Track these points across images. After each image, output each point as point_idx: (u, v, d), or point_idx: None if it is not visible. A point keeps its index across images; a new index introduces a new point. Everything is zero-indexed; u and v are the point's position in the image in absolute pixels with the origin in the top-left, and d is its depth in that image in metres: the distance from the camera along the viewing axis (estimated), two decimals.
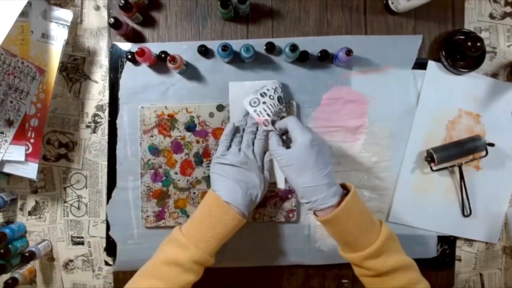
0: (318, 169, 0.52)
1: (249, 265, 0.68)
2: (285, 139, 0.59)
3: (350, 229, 0.51)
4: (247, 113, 0.60)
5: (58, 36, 0.66)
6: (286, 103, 0.65)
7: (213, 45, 0.65)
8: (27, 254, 0.64)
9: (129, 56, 0.64)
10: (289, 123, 0.55)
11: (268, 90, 0.60)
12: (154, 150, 0.65)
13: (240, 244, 0.67)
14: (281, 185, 0.64)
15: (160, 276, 0.51)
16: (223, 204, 0.53)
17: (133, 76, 0.66)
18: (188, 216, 0.66)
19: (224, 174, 0.56)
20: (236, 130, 0.60)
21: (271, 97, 0.59)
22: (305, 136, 0.52)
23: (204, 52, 0.64)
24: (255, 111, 0.58)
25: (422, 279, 0.52)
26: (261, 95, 0.59)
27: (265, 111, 0.58)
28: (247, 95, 0.59)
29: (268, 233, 0.67)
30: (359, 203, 0.53)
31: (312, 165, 0.51)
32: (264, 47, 0.64)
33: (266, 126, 0.58)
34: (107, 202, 0.67)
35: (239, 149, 0.59)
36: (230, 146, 0.59)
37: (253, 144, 0.60)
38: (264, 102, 0.58)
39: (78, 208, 0.69)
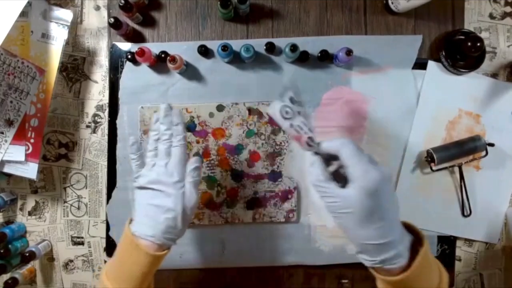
0: (388, 220, 0.39)
1: (249, 265, 0.68)
2: (330, 165, 0.44)
3: (426, 282, 0.41)
4: (157, 119, 0.50)
5: (58, 36, 0.66)
6: None
7: (213, 45, 0.65)
8: (27, 254, 0.64)
9: (129, 56, 0.64)
10: (344, 151, 0.40)
11: (295, 94, 0.44)
12: None
13: (240, 244, 0.67)
14: (329, 224, 0.46)
15: None
16: (131, 239, 0.45)
17: (133, 76, 0.66)
18: None
19: (136, 201, 0.48)
20: (142, 145, 0.51)
21: (301, 105, 0.44)
22: (372, 176, 0.39)
23: (204, 52, 0.64)
24: (291, 125, 0.43)
25: None
26: (291, 101, 0.44)
27: (305, 125, 0.43)
28: (272, 102, 0.44)
29: (268, 233, 0.67)
30: (429, 256, 0.42)
31: (380, 216, 0.39)
32: (264, 47, 0.64)
33: (310, 146, 0.42)
34: (107, 202, 0.67)
35: (153, 165, 0.48)
36: (143, 163, 0.50)
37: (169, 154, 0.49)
38: (299, 112, 0.43)
39: (78, 208, 0.69)
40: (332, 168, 0.42)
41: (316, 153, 0.42)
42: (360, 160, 0.40)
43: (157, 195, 0.47)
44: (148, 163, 0.49)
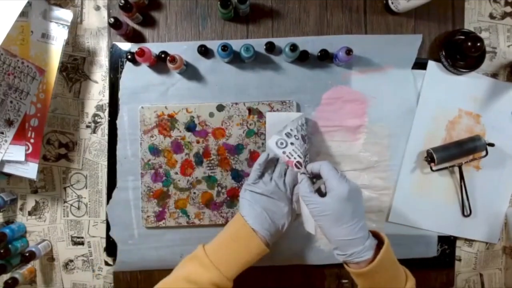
0: (355, 221, 0.50)
1: None
2: (314, 183, 0.57)
3: (382, 282, 0.50)
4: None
5: (58, 36, 0.66)
6: (286, 102, 0.65)
7: (213, 45, 0.65)
8: (27, 254, 0.64)
9: (129, 56, 0.64)
10: (323, 169, 0.53)
11: (291, 130, 0.57)
12: (154, 150, 0.65)
13: None
14: (311, 230, 0.59)
15: None
16: (250, 230, 0.54)
17: (133, 76, 0.66)
18: (188, 216, 0.66)
19: (254, 202, 0.57)
20: (270, 160, 0.60)
21: (296, 137, 0.57)
22: (343, 187, 0.50)
23: (204, 52, 0.64)
24: (284, 152, 0.56)
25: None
26: (287, 135, 0.57)
27: (295, 152, 0.56)
28: (271, 136, 0.57)
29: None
30: (392, 254, 0.52)
31: (349, 218, 0.50)
32: (264, 47, 0.64)
33: (298, 168, 0.55)
34: (107, 202, 0.67)
35: (271, 179, 0.59)
36: (262, 174, 0.59)
37: (285, 174, 0.60)
38: (292, 143, 0.56)
39: (78, 208, 0.69)
40: (316, 186, 0.56)
41: (303, 173, 0.55)
42: (334, 175, 0.52)
43: (275, 203, 0.57)
44: (266, 177, 0.59)
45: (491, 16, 0.70)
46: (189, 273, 0.52)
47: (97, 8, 0.69)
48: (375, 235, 0.53)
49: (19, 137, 0.65)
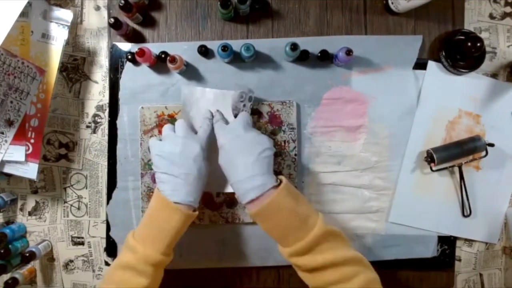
0: (236, 165, 0.52)
1: (249, 265, 0.68)
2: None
3: (278, 224, 0.51)
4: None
5: (58, 36, 0.66)
6: (286, 102, 0.65)
7: (213, 45, 0.65)
8: (27, 254, 0.64)
9: (129, 57, 0.64)
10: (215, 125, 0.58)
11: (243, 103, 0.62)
12: None
13: (240, 244, 0.67)
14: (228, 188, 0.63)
15: (115, 280, 0.51)
16: (164, 201, 0.52)
17: (133, 77, 0.66)
18: None
19: (161, 166, 0.54)
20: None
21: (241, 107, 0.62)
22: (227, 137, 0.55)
23: (204, 52, 0.64)
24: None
25: (362, 271, 0.49)
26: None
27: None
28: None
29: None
30: (290, 198, 0.51)
31: (230, 164, 0.53)
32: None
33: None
34: (107, 203, 0.67)
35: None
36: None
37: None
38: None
39: (78, 209, 0.69)
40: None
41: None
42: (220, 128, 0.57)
43: (183, 154, 0.55)
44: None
45: (491, 17, 0.70)
46: (120, 259, 0.52)
47: (97, 8, 0.69)
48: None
49: (19, 137, 0.65)
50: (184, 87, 0.63)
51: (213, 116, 0.60)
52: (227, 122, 0.59)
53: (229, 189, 0.63)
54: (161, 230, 0.52)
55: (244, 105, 0.61)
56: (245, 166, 0.52)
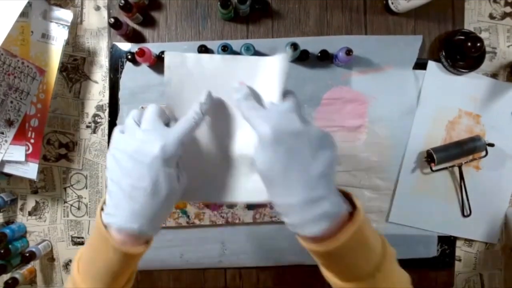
0: (292, 178, 0.34)
1: (249, 265, 0.68)
2: None
3: (347, 266, 0.36)
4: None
5: (58, 36, 0.66)
6: None
7: (213, 45, 0.65)
8: (27, 254, 0.64)
9: (129, 56, 0.64)
10: (241, 107, 0.38)
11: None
12: None
13: (240, 244, 0.67)
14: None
15: None
16: (102, 231, 0.36)
17: (133, 76, 0.66)
18: (188, 217, 0.66)
19: (115, 178, 0.37)
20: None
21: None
22: (263, 128, 0.35)
23: (204, 52, 0.64)
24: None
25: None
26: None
27: None
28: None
29: (269, 233, 0.67)
30: (366, 232, 0.35)
31: (280, 172, 0.34)
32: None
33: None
34: None
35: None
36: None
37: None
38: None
39: (78, 209, 0.69)
40: None
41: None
42: (255, 113, 0.37)
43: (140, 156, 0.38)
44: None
45: (491, 17, 0.70)
46: None
47: (97, 8, 0.69)
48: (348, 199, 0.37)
49: (19, 137, 0.65)
50: (168, 53, 0.40)
51: (209, 100, 0.39)
52: (258, 101, 0.39)
53: (240, 199, 0.42)
54: (99, 269, 0.37)
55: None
56: (305, 182, 0.34)
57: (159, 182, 0.35)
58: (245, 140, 0.40)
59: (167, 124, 0.39)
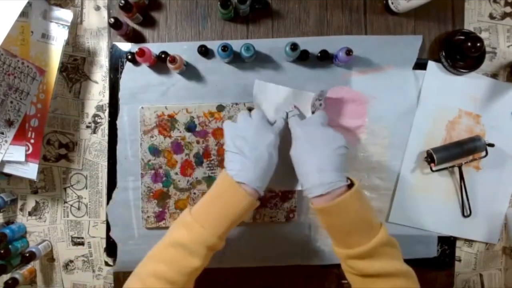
0: (308, 158, 0.51)
1: (249, 265, 0.68)
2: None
3: (342, 224, 0.50)
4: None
5: (58, 36, 0.66)
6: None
7: (213, 45, 0.65)
8: (27, 255, 0.64)
9: (129, 57, 0.64)
10: (290, 122, 0.58)
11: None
12: (154, 151, 0.65)
13: (240, 244, 0.67)
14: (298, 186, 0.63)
15: (165, 258, 0.49)
16: (232, 183, 0.50)
17: (133, 77, 0.66)
18: None
19: (235, 149, 0.53)
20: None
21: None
22: (299, 132, 0.55)
23: (204, 52, 0.64)
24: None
25: (412, 287, 0.50)
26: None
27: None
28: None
29: (268, 233, 0.67)
30: (359, 202, 0.50)
31: (302, 154, 0.52)
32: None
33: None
34: (107, 203, 0.67)
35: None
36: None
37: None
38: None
39: (78, 209, 0.69)
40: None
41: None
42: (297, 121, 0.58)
43: (256, 139, 0.55)
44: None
45: (491, 17, 0.70)
46: (174, 236, 0.50)
47: (97, 8, 0.69)
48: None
49: (19, 137, 0.65)
50: (257, 81, 0.64)
51: (287, 114, 0.59)
52: (302, 118, 0.59)
53: (289, 187, 0.63)
54: (224, 213, 0.50)
55: (321, 104, 0.61)
56: (318, 159, 0.51)
57: (273, 157, 0.54)
58: None
59: None
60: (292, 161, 0.55)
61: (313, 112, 0.62)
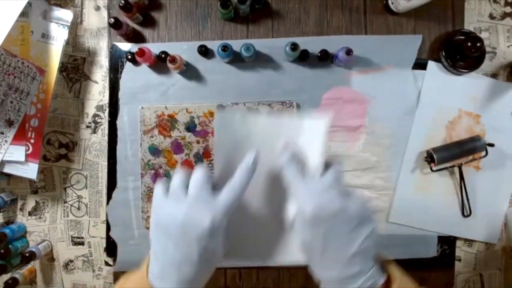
0: (330, 254, 0.36)
1: (249, 265, 0.68)
2: None
3: None
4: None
5: (58, 36, 0.66)
6: (286, 102, 0.65)
7: (213, 45, 0.65)
8: (27, 255, 0.64)
9: (129, 56, 0.64)
10: (286, 174, 0.38)
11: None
12: (155, 151, 0.65)
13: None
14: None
15: None
16: (145, 284, 0.37)
17: (133, 77, 0.66)
18: None
19: (159, 233, 0.37)
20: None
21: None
22: (306, 204, 0.36)
23: (204, 52, 0.64)
24: None
25: None
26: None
27: None
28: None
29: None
30: None
31: (320, 249, 0.36)
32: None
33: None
34: (107, 203, 0.67)
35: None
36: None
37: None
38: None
39: (78, 209, 0.69)
40: None
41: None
42: (298, 185, 0.38)
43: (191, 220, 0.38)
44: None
45: (491, 17, 0.70)
46: None
47: (97, 8, 0.69)
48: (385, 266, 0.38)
49: (19, 137, 0.65)
50: (218, 110, 0.45)
51: (254, 158, 0.37)
52: (302, 167, 0.39)
53: (284, 262, 0.44)
54: None
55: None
56: (342, 260, 0.36)
57: (207, 253, 0.36)
58: (285, 203, 0.40)
59: (213, 187, 0.38)
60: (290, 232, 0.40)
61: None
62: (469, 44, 0.62)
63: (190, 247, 0.35)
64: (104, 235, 0.68)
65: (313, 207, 0.35)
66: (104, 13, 0.68)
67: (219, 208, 0.35)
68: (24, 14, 0.63)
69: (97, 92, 0.69)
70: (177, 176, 0.39)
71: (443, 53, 0.66)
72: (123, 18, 0.65)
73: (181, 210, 0.35)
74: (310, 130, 0.40)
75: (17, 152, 0.64)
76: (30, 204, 0.69)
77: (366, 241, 0.37)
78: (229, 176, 0.37)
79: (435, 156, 0.64)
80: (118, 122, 0.66)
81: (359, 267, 0.36)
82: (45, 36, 0.65)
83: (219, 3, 0.61)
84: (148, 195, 0.66)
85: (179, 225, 0.35)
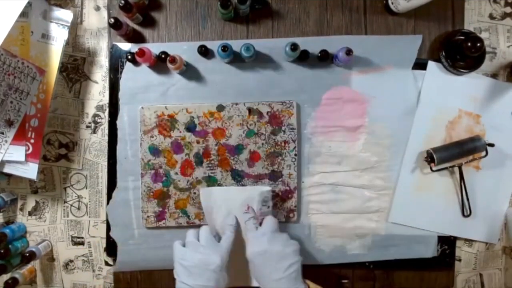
0: (262, 280, 0.55)
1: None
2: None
3: None
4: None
5: (58, 36, 0.66)
6: (286, 102, 0.65)
7: (213, 45, 0.65)
8: (27, 254, 0.64)
9: (129, 57, 0.64)
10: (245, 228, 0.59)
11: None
12: (154, 151, 0.65)
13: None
14: None
15: None
16: None
17: (133, 77, 0.66)
18: (188, 217, 0.66)
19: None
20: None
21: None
22: (254, 247, 0.57)
23: (204, 52, 0.64)
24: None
25: None
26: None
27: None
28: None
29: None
30: None
31: (257, 277, 0.56)
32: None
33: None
34: (107, 203, 0.67)
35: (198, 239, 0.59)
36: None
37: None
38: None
39: (78, 208, 0.69)
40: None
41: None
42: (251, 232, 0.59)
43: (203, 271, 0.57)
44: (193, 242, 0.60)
45: (491, 17, 0.70)
46: None
47: (97, 8, 0.69)
48: None
49: (19, 137, 0.65)
50: (202, 190, 0.64)
51: (237, 222, 0.61)
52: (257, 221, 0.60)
53: (254, 283, 0.63)
54: None
55: (268, 207, 0.63)
56: (274, 282, 0.54)
57: (220, 281, 0.55)
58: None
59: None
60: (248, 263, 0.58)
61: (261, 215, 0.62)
62: (469, 44, 0.62)
63: (209, 278, 0.54)
64: (104, 235, 0.68)
65: (249, 249, 0.57)
66: (104, 13, 0.68)
67: (224, 250, 0.56)
68: (24, 14, 0.63)
69: (97, 92, 0.69)
70: (190, 233, 0.59)
71: (443, 53, 0.66)
72: (123, 18, 0.65)
73: (198, 253, 0.56)
74: (256, 194, 0.63)
75: (17, 152, 0.64)
76: (30, 204, 0.69)
77: (290, 269, 0.55)
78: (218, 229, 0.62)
79: (435, 156, 0.64)
80: (118, 122, 0.66)
81: (287, 286, 0.54)
82: (45, 36, 0.65)
83: (219, 3, 0.61)
84: (148, 195, 0.66)
85: (198, 263, 0.54)
